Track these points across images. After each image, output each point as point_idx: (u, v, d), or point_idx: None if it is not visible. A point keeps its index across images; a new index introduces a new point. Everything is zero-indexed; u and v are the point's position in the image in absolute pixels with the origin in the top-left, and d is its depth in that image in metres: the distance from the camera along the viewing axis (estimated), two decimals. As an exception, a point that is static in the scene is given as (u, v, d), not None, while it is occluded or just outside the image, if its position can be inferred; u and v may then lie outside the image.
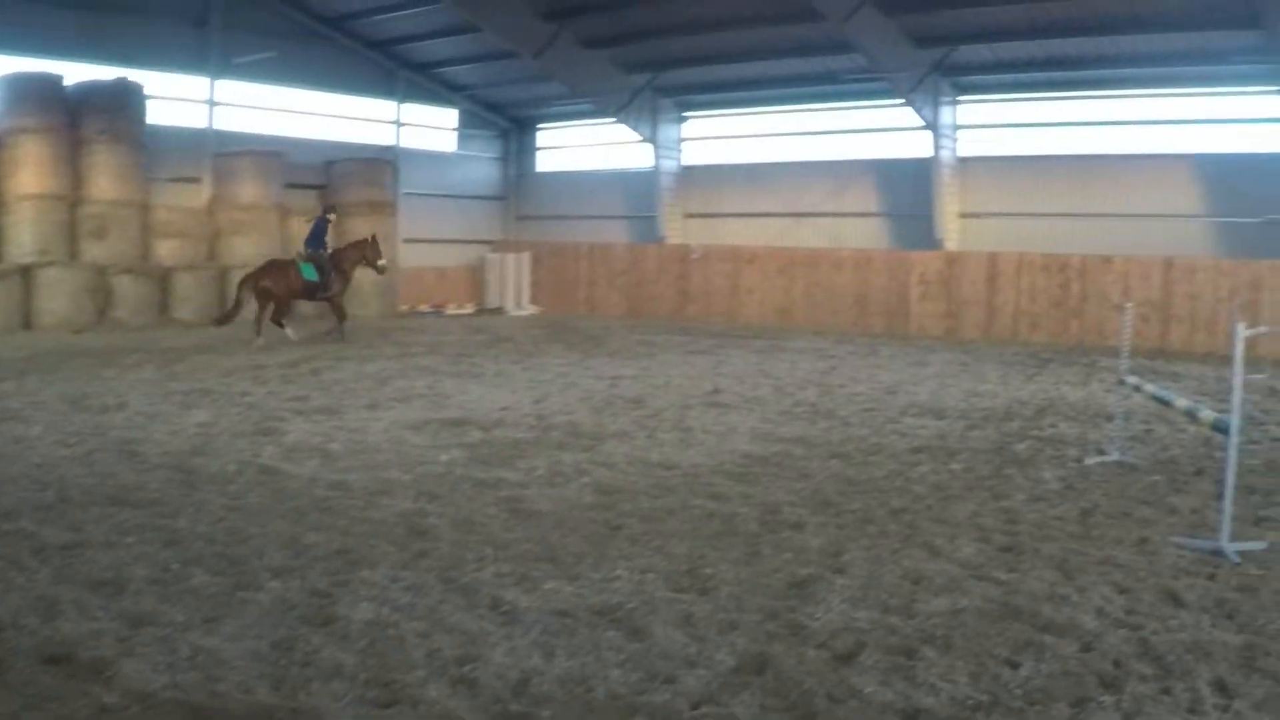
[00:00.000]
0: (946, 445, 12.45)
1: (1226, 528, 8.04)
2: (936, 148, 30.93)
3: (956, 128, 31.71)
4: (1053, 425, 14.12)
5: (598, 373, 18.48)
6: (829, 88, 32.04)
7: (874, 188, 33.07)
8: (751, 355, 22.15)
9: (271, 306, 23.46)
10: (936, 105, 30.75)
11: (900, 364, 21.27)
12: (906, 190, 31.95)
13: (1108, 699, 5.33)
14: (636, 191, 36.79)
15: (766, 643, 5.96)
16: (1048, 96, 30.93)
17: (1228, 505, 8.09)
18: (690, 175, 36.41)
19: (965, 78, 30.98)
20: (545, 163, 40.26)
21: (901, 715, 5.16)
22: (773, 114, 35.12)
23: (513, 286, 35.18)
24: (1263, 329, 16.18)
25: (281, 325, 23.37)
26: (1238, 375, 8.07)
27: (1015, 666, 5.71)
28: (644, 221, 36.56)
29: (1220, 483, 8.34)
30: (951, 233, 30.89)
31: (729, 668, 5.63)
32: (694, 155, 36.69)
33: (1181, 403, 9.77)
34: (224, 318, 24.10)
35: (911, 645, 5.97)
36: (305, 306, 26.10)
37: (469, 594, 6.72)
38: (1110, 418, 12.88)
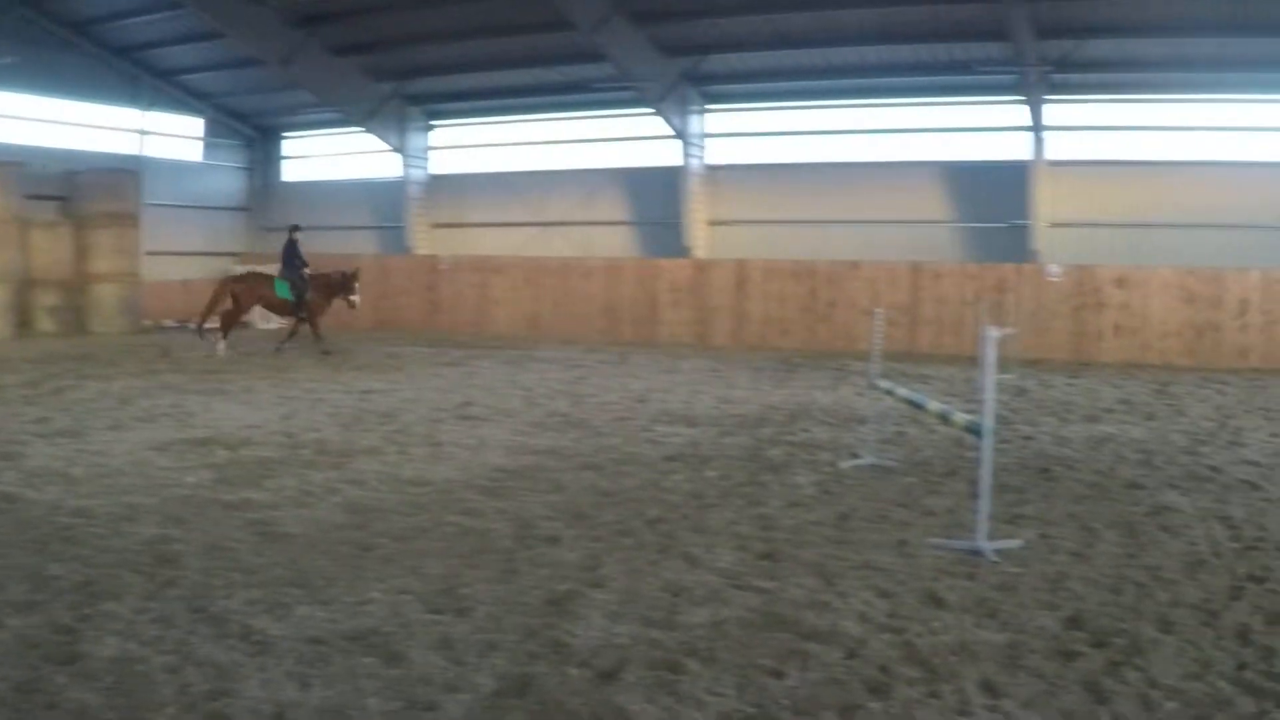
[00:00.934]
0: (700, 453, 12.67)
1: (983, 527, 8.44)
2: (685, 156, 31.71)
3: (705, 136, 32.48)
4: (806, 430, 14.54)
5: (347, 387, 18.27)
6: (579, 96, 32.42)
7: (623, 196, 33.59)
8: (502, 366, 22.23)
9: (228, 310, 24.54)
10: (685, 114, 31.52)
11: (651, 372, 21.66)
12: (656, 198, 32.60)
13: (876, 705, 5.50)
14: (384, 201, 36.75)
15: (527, 663, 5.95)
16: (795, 106, 31.99)
17: (984, 505, 8.51)
18: (439, 185, 36.47)
19: (713, 87, 31.84)
20: (292, 172, 39.79)
21: (669, 731, 5.22)
22: (522, 123, 35.43)
23: (260, 300, 34.57)
24: (1010, 330, 17.08)
25: (206, 333, 24.00)
26: (988, 377, 8.47)
27: (781, 676, 5.84)
28: (392, 232, 36.61)
29: (975, 483, 8.72)
30: (700, 240, 31.60)
31: (490, 690, 5.60)
32: (442, 164, 36.77)
33: (934, 406, 10.21)
34: (206, 316, 24.61)
35: (675, 659, 6.04)
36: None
37: (219, 624, 6.52)
38: (863, 421, 13.33)
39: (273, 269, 25.71)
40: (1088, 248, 28.03)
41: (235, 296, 24.68)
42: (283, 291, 24.75)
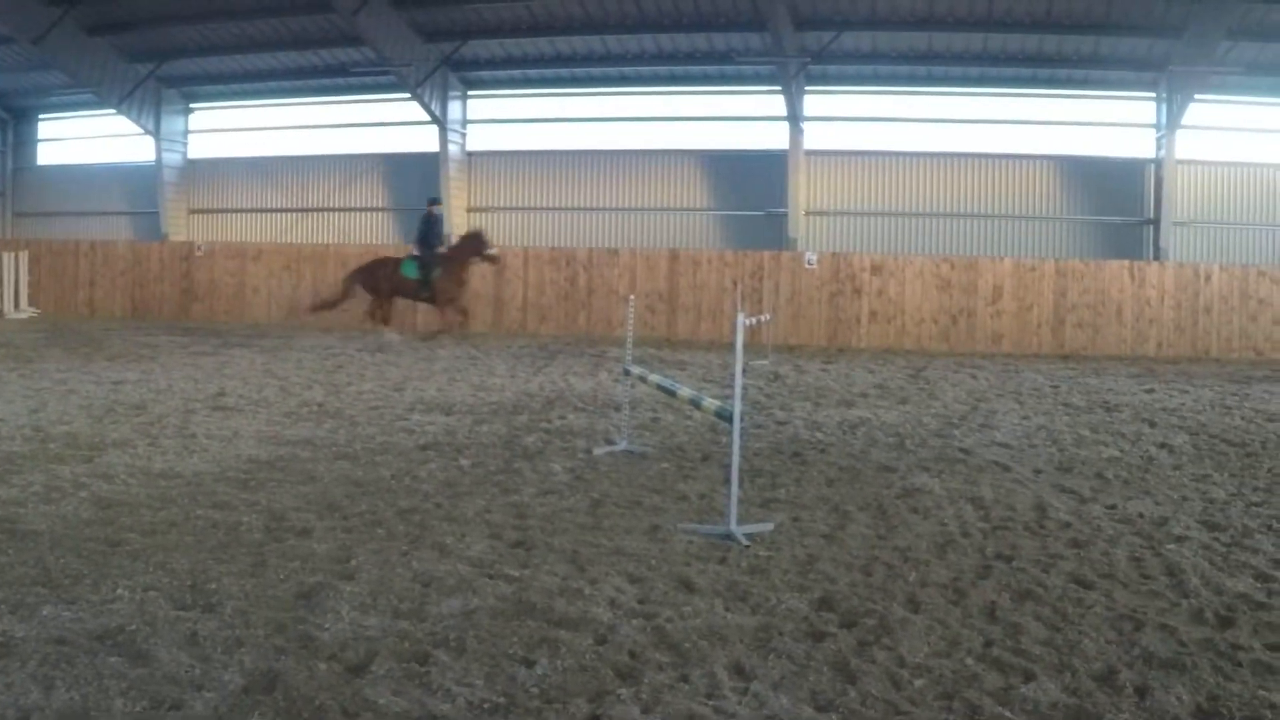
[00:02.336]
0: (455, 441, 12.48)
1: (734, 512, 8.44)
2: (444, 142, 31.49)
3: (465, 122, 32.29)
4: (561, 417, 14.47)
5: (98, 378, 17.54)
6: (338, 80, 32.09)
7: (383, 182, 33.33)
8: (258, 355, 21.71)
9: (372, 301, 24.08)
10: (445, 100, 31.36)
11: (408, 360, 21.42)
12: (414, 185, 32.37)
13: (626, 691, 5.40)
14: (139, 186, 35.56)
15: (275, 658, 5.70)
16: (557, 93, 32.04)
17: (734, 490, 8.52)
18: (195, 169, 35.59)
19: (474, 73, 31.76)
20: (49, 155, 38.14)
21: (418, 724, 5.05)
22: (281, 106, 34.89)
23: (9, 288, 32.78)
24: (765, 316, 17.28)
25: (383, 322, 23.77)
26: (739, 363, 8.50)
27: (531, 665, 5.72)
28: (147, 218, 35.45)
29: (728, 468, 8.72)
30: (460, 227, 31.33)
31: (238, 687, 5.34)
32: (200, 148, 35.86)
33: (685, 392, 10.22)
34: (321, 305, 24.11)
35: (424, 650, 5.87)
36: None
37: (-39, 628, 6.08)
38: (618, 407, 13.29)
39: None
40: (844, 236, 28.77)
41: (365, 288, 24.17)
42: (410, 271, 23.74)
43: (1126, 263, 27.47)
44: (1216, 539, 8.69)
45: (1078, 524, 9.10)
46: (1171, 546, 8.38)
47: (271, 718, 5.05)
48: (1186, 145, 28.77)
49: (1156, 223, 28.70)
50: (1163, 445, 13.27)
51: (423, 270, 23.51)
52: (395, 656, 5.78)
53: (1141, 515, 9.48)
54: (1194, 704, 5.40)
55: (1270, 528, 9.14)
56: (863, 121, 30.55)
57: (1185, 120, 28.28)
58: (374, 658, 5.74)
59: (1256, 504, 10.10)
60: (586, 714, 5.16)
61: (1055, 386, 19.35)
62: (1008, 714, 5.24)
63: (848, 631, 6.33)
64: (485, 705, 5.23)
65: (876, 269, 27.30)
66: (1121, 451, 12.78)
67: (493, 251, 23.82)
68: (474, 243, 23.75)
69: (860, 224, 29.68)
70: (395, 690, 5.36)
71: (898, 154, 29.87)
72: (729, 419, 8.56)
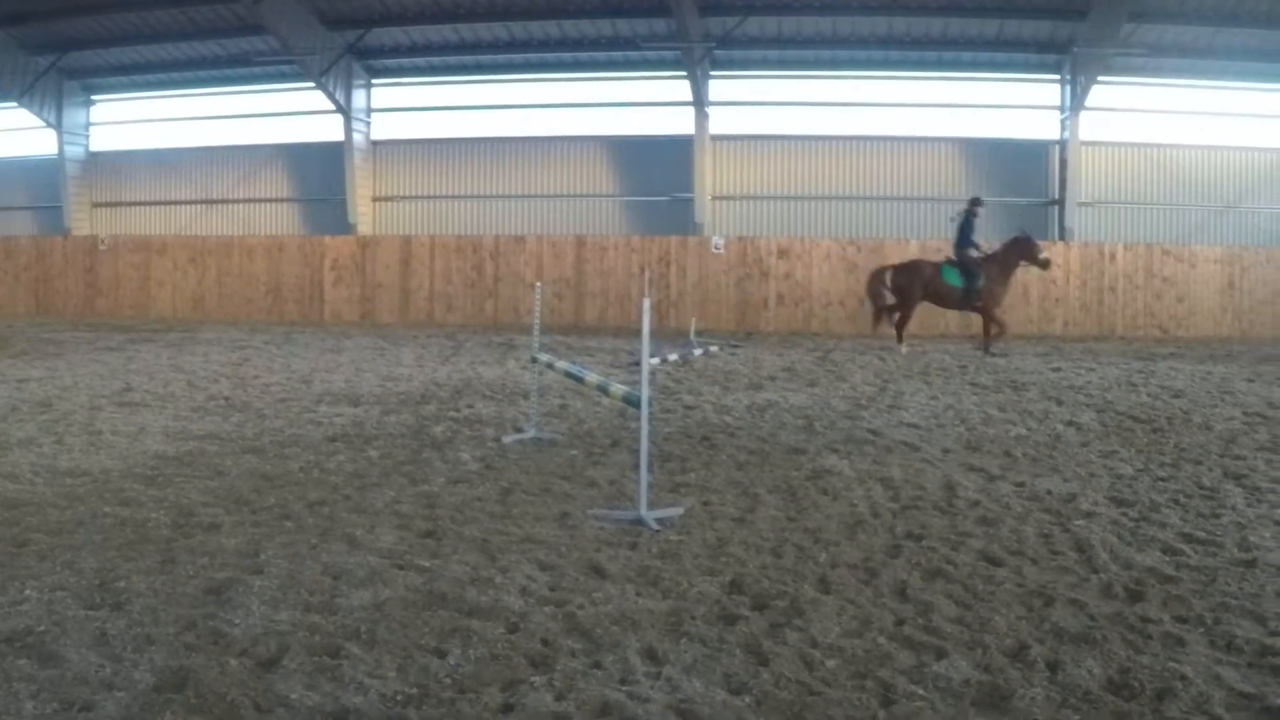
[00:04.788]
0: (363, 432, 12.38)
1: (644, 497, 8.43)
2: (349, 131, 31.22)
3: (370, 111, 32.04)
4: (470, 406, 14.41)
5: (2, 376, 17.33)
6: (241, 70, 31.71)
7: (286, 173, 33.02)
8: (164, 350, 21.46)
9: (892, 305, 22.32)
10: (349, 88, 31.11)
11: (315, 351, 21.31)
12: (319, 175, 32.19)
13: (539, 679, 5.37)
14: (41, 180, 34.97)
15: (186, 656, 5.59)
16: (462, 81, 31.92)
17: (643, 475, 8.51)
18: (98, 162, 35.01)
19: (378, 61, 31.53)
20: None
21: (330, 718, 4.97)
22: (185, 98, 34.45)
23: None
24: (656, 299, 17.23)
25: (897, 335, 22.39)
26: (645, 348, 8.51)
27: (443, 655, 5.66)
28: (50, 212, 34.95)
29: (637, 453, 8.70)
30: (365, 217, 31.18)
31: (149, 686, 5.23)
32: (103, 141, 35.26)
33: (592, 378, 10.21)
34: (878, 315, 22.68)
35: (336, 643, 5.79)
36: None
37: None
38: (526, 395, 13.25)
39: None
40: (751, 220, 28.89)
41: (898, 289, 22.66)
42: (951, 279, 22.16)
43: (1032, 243, 27.82)
44: (1125, 514, 8.82)
45: (986, 502, 9.20)
46: (1080, 522, 8.49)
47: (183, 716, 4.95)
48: (1091, 127, 29.20)
49: (1061, 203, 29.09)
50: (1070, 423, 13.46)
51: (966, 277, 22.11)
52: (306, 650, 5.70)
53: (1050, 492, 9.61)
54: (1105, 677, 5.45)
55: (1177, 502, 9.29)
56: (768, 106, 30.67)
57: (1089, 102, 28.70)
58: (285, 652, 5.65)
59: (1163, 479, 10.27)
60: (499, 703, 5.11)
61: (963, 366, 19.59)
62: (920, 692, 5.26)
63: (759, 614, 6.33)
64: (398, 697, 5.17)
65: (784, 253, 27.46)
66: (1029, 429, 12.96)
67: (1044, 256, 22.36)
68: (1023, 247, 22.28)
69: (767, 208, 29.81)
70: (307, 684, 5.28)
71: (804, 138, 30.05)
72: (637, 404, 8.54)
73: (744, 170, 30.05)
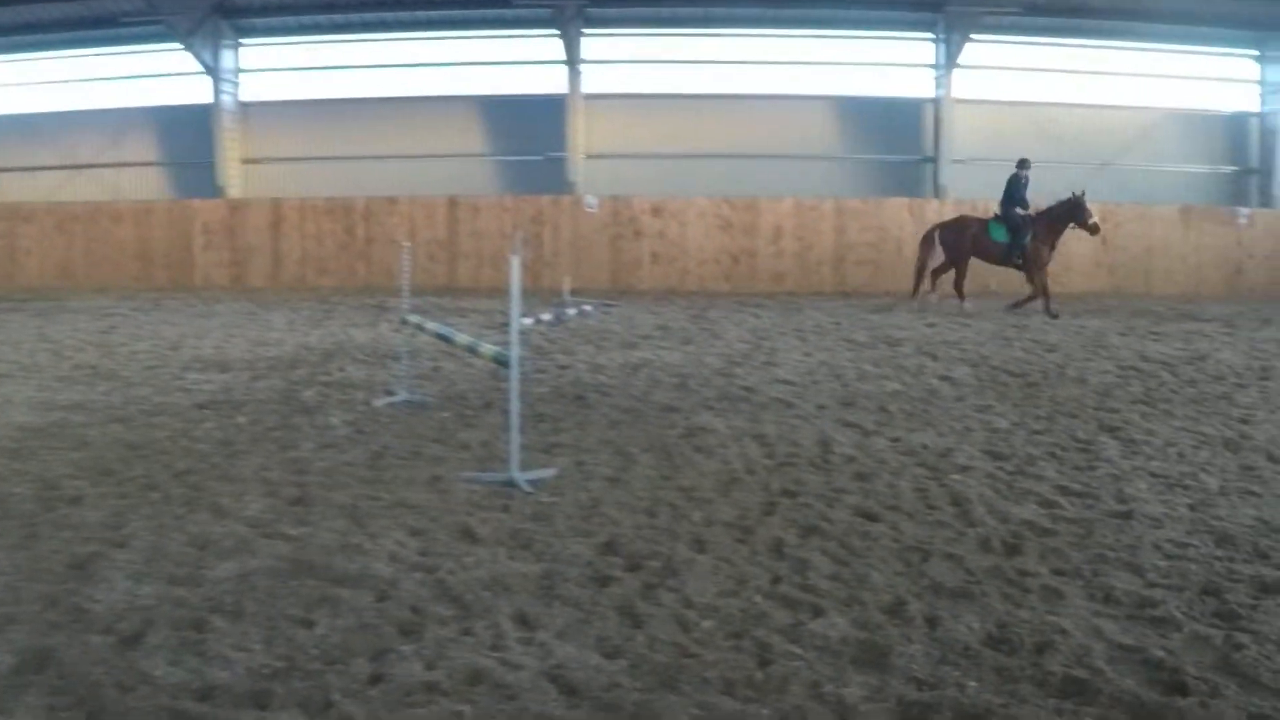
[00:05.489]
0: (232, 398, 12.07)
1: (516, 458, 8.30)
2: (217, 93, 30.54)
3: (238, 72, 31.34)
4: (341, 369, 14.17)
5: None
6: (105, 31, 30.68)
7: (154, 136, 32.16)
8: (30, 319, 20.82)
9: (940, 264, 22.63)
10: (217, 49, 30.38)
11: (185, 317, 20.87)
12: (187, 138, 31.40)
13: (408, 647, 5.24)
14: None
15: (48, 634, 5.37)
16: (331, 40, 31.41)
17: (515, 436, 8.35)
18: (-41, 129, 33.50)
19: (246, 20, 30.82)
20: None
21: (195, 695, 4.79)
22: (47, 60, 33.30)
23: None
24: (525, 256, 17.06)
25: (928, 296, 22.66)
26: (514, 306, 8.38)
27: (310, 626, 5.50)
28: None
29: (509, 414, 8.54)
30: (234, 180, 30.55)
31: (9, 667, 5.00)
32: (-38, 107, 33.76)
33: (462, 338, 10.07)
34: (920, 277, 22.95)
35: (201, 617, 5.60)
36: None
37: None
38: (398, 358, 13.01)
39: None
40: (624, 179, 28.74)
41: (945, 246, 22.38)
42: (998, 235, 22.08)
43: (906, 200, 28.07)
44: (1001, 468, 8.87)
45: (862, 457, 9.20)
46: (956, 477, 8.51)
47: (45, 697, 4.75)
48: (965, 85, 29.43)
49: (936, 161, 29.33)
50: (945, 378, 13.54)
51: (1012, 234, 21.99)
52: (171, 625, 5.50)
53: (925, 447, 9.64)
54: (984, 632, 5.44)
55: (1053, 455, 9.37)
56: (642, 64, 30.53)
57: (963, 60, 28.92)
58: (149, 627, 5.46)
59: (1038, 432, 10.36)
60: (368, 674, 4.98)
61: (837, 323, 19.64)
62: (798, 651, 5.20)
63: (633, 575, 6.24)
64: (264, 670, 5.01)
65: (657, 211, 27.40)
66: (904, 385, 13.00)
67: (1094, 220, 21.97)
68: (1073, 208, 21.99)
69: (641, 167, 29.67)
70: (172, 660, 5.10)
71: (678, 96, 29.93)
72: (506, 364, 8.40)
73: (618, 129, 29.87)
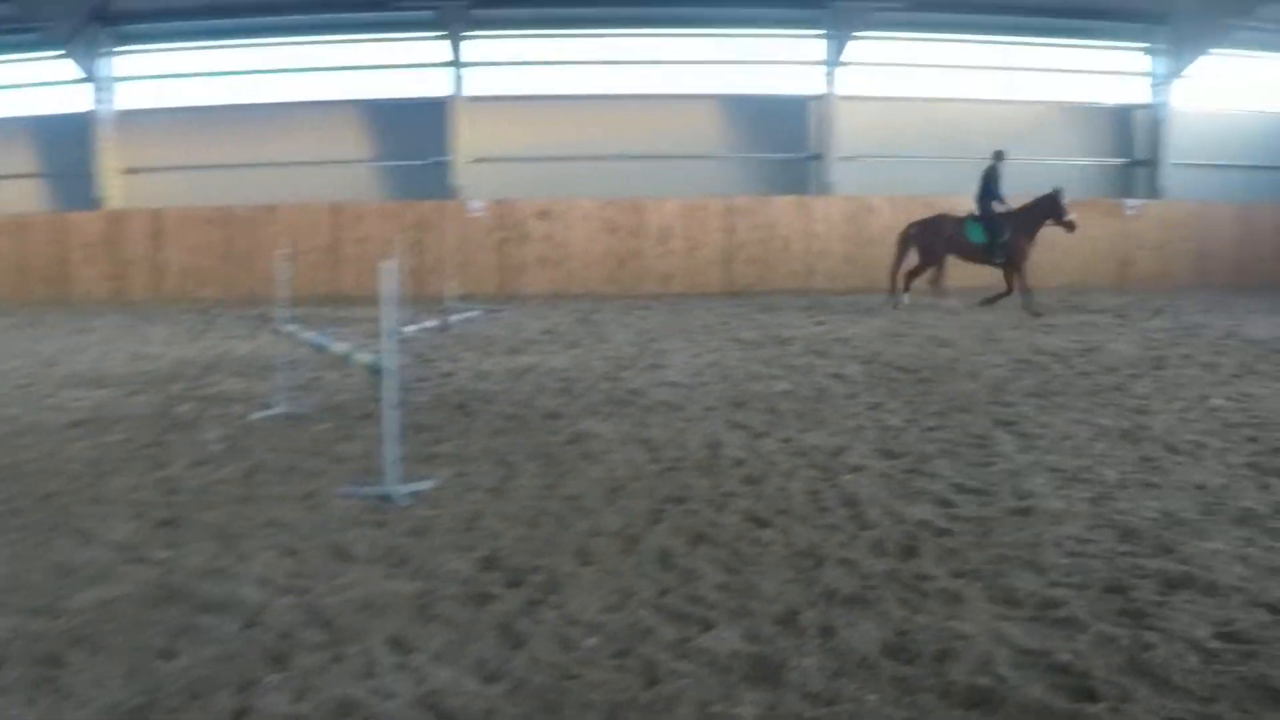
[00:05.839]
0: (106, 416, 11.61)
1: (393, 470, 7.99)
2: (96, 101, 29.71)
3: (116, 80, 30.55)
4: (219, 383, 13.80)
5: None
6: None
7: (30, 146, 31.06)
8: (-96, 340, 19.93)
9: (914, 266, 22.16)
10: (95, 56, 29.54)
11: (62, 333, 20.31)
12: (64, 148, 30.49)
13: (276, 677, 4.97)
14: None
15: (-103, 679, 5.01)
16: (211, 45, 30.72)
17: (391, 447, 8.03)
18: None
19: (125, 26, 30.01)
20: None
21: (50, 737, 4.48)
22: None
23: None
24: (399, 263, 16.68)
25: (910, 289, 22.27)
26: (388, 312, 8.09)
27: (173, 657, 5.21)
28: None
29: (394, 422, 8.22)
30: (114, 191, 29.72)
31: None
32: None
33: (338, 347, 9.76)
34: (896, 276, 22.27)
35: (58, 650, 5.28)
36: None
37: None
38: (276, 369, 12.61)
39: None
40: (510, 182, 28.41)
41: (920, 247, 21.80)
42: (974, 234, 21.40)
43: (794, 198, 28.03)
44: (894, 467, 8.71)
45: (752, 460, 9.00)
46: (848, 477, 8.34)
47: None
48: (852, 81, 29.44)
49: (823, 158, 29.32)
50: (836, 376, 13.39)
51: (989, 232, 21.49)
52: (26, 660, 5.18)
53: (816, 447, 9.45)
54: (882, 641, 5.24)
55: (947, 452, 9.23)
56: (525, 65, 30.23)
57: (850, 57, 28.95)
58: (4, 663, 5.14)
59: (932, 429, 10.23)
60: (232, 708, 4.70)
61: (726, 323, 19.47)
62: (686, 668, 4.99)
63: (514, 591, 5.98)
64: (122, 708, 4.71)
65: (544, 214, 27.16)
66: (794, 384, 12.83)
67: (1071, 217, 21.57)
68: (1050, 204, 21.58)
69: (527, 169, 29.33)
70: (26, 700, 4.80)
71: (563, 97, 29.64)
72: (380, 373, 8.09)
73: (503, 131, 29.51)
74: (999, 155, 22.13)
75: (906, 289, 22.31)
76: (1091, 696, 4.69)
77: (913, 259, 22.32)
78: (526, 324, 19.51)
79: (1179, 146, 29.81)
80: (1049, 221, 21.57)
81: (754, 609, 5.63)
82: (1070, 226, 21.65)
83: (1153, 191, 29.80)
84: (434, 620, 5.57)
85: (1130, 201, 28.98)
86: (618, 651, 5.17)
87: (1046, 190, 21.77)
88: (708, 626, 5.42)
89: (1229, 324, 19.08)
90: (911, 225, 22.51)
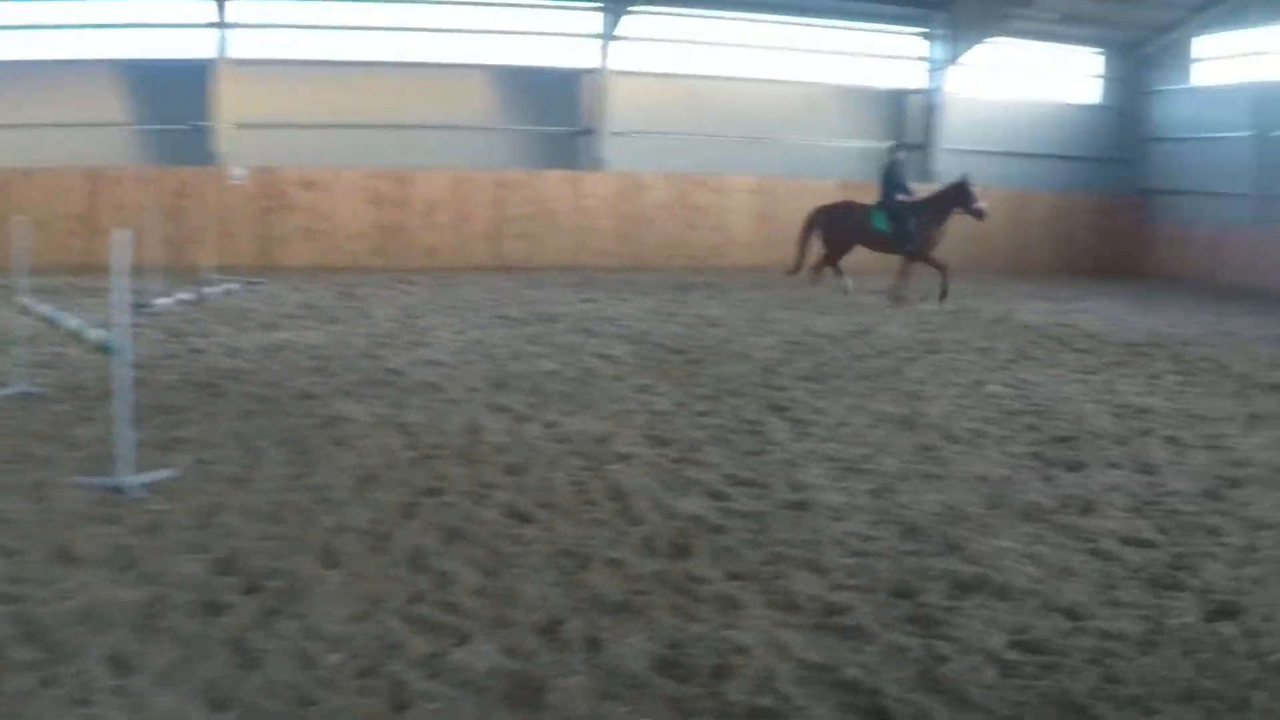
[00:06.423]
0: None
1: (126, 459, 7.27)
2: None
3: None
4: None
5: None
6: None
7: None
8: None
9: (818, 250, 21.20)
10: None
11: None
12: None
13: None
14: None
15: None
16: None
17: (125, 434, 7.30)
18: None
19: None
20: None
21: None
22: None
23: None
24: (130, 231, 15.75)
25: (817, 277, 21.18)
26: (121, 290, 7.37)
27: None
28: None
29: (131, 408, 7.48)
30: None
31: None
32: None
33: (71, 323, 8.94)
34: (794, 266, 21.21)
35: None
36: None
37: None
38: (14, 344, 11.60)
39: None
40: (275, 149, 27.26)
41: (826, 234, 20.92)
42: (878, 223, 20.44)
43: (565, 173, 27.57)
44: (664, 455, 8.36)
45: (514, 446, 8.56)
46: (616, 466, 7.95)
47: None
48: (626, 56, 29.05)
49: (596, 132, 28.91)
50: (603, 355, 13.01)
51: (895, 222, 20.40)
52: None
53: (582, 432, 9.04)
54: (653, 655, 4.86)
55: (720, 439, 8.92)
56: (294, 29, 29.08)
57: (623, 31, 28.56)
58: None
59: (703, 414, 9.93)
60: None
61: (492, 299, 18.85)
62: (437, 688, 4.55)
63: (251, 598, 5.42)
64: None
65: (308, 184, 26.14)
66: (560, 364, 12.39)
67: (981, 205, 20.37)
68: (959, 192, 20.48)
69: (292, 137, 28.18)
70: None
71: (331, 63, 28.55)
72: (114, 352, 7.35)
73: (268, 97, 28.17)
74: (895, 149, 21.94)
75: (817, 278, 21.46)
76: (883, 717, 4.39)
77: (818, 245, 21.55)
78: (286, 297, 18.49)
79: (952, 132, 30.12)
80: (957, 210, 20.88)
81: (513, 618, 5.20)
82: (980, 215, 20.86)
83: (925, 175, 30.17)
84: (160, 634, 4.99)
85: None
86: (362, 670, 4.69)
87: (955, 179, 21.22)
88: (463, 639, 4.97)
89: (1001, 308, 19.33)
90: (818, 211, 21.79)
